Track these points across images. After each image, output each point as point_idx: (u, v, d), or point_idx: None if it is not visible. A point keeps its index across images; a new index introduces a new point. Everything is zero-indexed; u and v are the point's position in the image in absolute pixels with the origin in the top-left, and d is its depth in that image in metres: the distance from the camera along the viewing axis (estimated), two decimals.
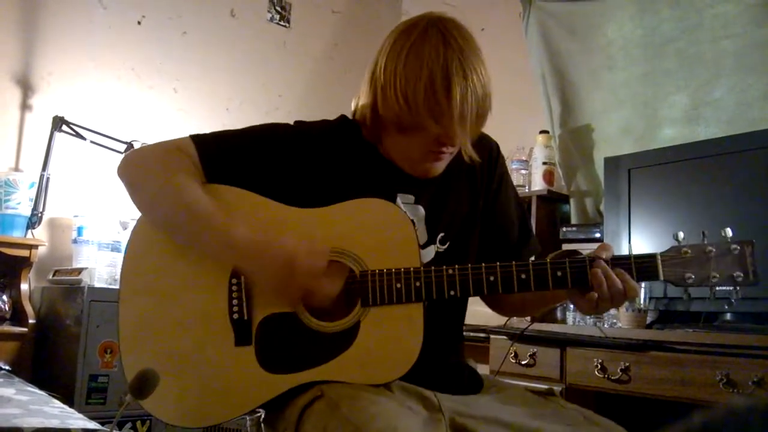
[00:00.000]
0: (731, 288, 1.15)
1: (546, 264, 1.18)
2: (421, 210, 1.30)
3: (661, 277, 1.16)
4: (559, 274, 1.18)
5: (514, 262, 1.18)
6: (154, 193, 1.26)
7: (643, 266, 1.16)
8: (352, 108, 1.36)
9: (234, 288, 1.23)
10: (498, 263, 1.18)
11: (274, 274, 1.16)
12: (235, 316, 1.22)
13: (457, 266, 1.18)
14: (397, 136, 1.27)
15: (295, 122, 1.36)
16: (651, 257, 1.17)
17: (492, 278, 1.18)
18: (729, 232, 1.15)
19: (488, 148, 1.42)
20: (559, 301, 1.37)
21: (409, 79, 1.19)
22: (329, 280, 1.17)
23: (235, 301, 1.23)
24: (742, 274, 1.14)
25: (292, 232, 1.22)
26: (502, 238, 1.40)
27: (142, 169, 1.29)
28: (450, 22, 1.24)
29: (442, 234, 1.30)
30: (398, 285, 1.17)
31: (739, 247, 1.14)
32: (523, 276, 1.17)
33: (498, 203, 1.40)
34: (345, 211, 1.23)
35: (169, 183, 1.23)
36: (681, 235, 1.17)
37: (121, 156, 1.93)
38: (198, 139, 1.29)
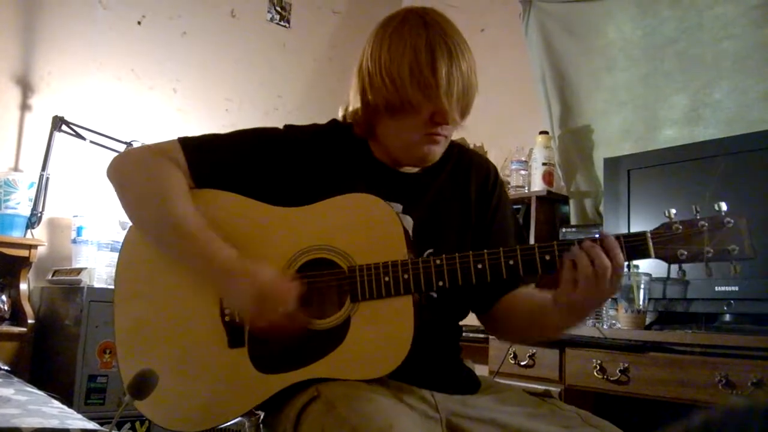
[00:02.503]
0: (728, 263, 1.11)
1: (534, 248, 1.15)
2: (410, 220, 1.28)
3: (653, 255, 1.12)
4: (547, 258, 1.15)
5: (501, 249, 1.16)
6: (138, 202, 1.27)
7: (633, 245, 1.13)
8: (340, 115, 1.37)
9: None
10: (485, 250, 1.17)
11: (245, 306, 1.19)
12: (227, 318, 1.23)
13: (444, 256, 1.17)
14: (390, 123, 1.26)
15: (285, 126, 1.36)
16: (641, 235, 1.13)
17: (480, 266, 1.16)
18: (723, 206, 1.11)
19: (486, 172, 1.41)
20: (553, 317, 1.22)
21: (394, 58, 1.21)
22: (305, 314, 1.18)
23: (226, 303, 1.23)
24: (737, 248, 1.10)
25: (279, 235, 1.24)
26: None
27: (129, 174, 1.30)
28: (430, 9, 1.27)
29: (430, 251, 1.26)
30: (386, 278, 1.17)
31: (733, 221, 1.11)
32: (511, 262, 1.15)
33: (492, 232, 1.36)
34: (331, 208, 1.23)
35: (154, 193, 1.24)
36: (673, 211, 1.13)
37: None
38: (186, 143, 1.29)
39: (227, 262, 1.18)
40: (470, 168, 1.39)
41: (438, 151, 1.29)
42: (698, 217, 1.13)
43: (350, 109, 1.33)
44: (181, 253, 1.25)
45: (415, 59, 1.19)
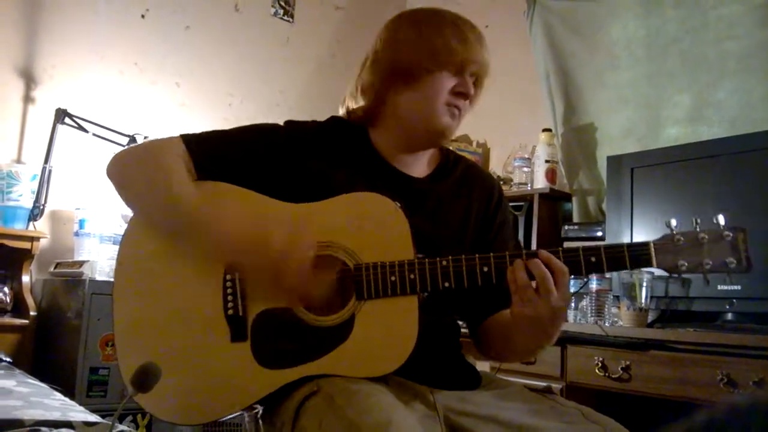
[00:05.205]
0: (724, 274, 1.15)
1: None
2: None
3: (655, 265, 1.15)
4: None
5: (507, 252, 1.18)
6: (144, 191, 1.27)
7: (636, 254, 1.16)
8: (341, 112, 1.37)
9: (228, 284, 1.23)
10: (492, 254, 1.18)
11: (264, 273, 1.17)
12: (230, 312, 1.23)
13: (450, 257, 1.18)
14: (412, 95, 1.29)
15: (285, 122, 1.36)
16: (644, 245, 1.16)
17: (486, 269, 1.17)
18: (722, 219, 1.14)
19: (490, 190, 1.42)
20: (519, 337, 1.26)
21: (423, 25, 1.28)
22: (320, 278, 1.17)
23: (229, 297, 1.23)
24: (735, 261, 1.13)
25: (283, 225, 1.23)
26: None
27: (132, 168, 1.29)
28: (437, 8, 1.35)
29: (420, 256, 1.23)
30: (392, 278, 1.17)
31: (731, 234, 1.13)
32: None
33: (493, 250, 1.27)
34: (338, 206, 1.23)
35: (159, 180, 1.24)
36: (674, 222, 1.16)
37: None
38: (188, 139, 1.29)
39: (237, 235, 1.19)
40: (474, 184, 1.40)
41: (455, 126, 1.32)
42: (698, 230, 1.16)
43: (360, 87, 1.34)
44: (189, 236, 1.24)
45: (442, 26, 1.27)
